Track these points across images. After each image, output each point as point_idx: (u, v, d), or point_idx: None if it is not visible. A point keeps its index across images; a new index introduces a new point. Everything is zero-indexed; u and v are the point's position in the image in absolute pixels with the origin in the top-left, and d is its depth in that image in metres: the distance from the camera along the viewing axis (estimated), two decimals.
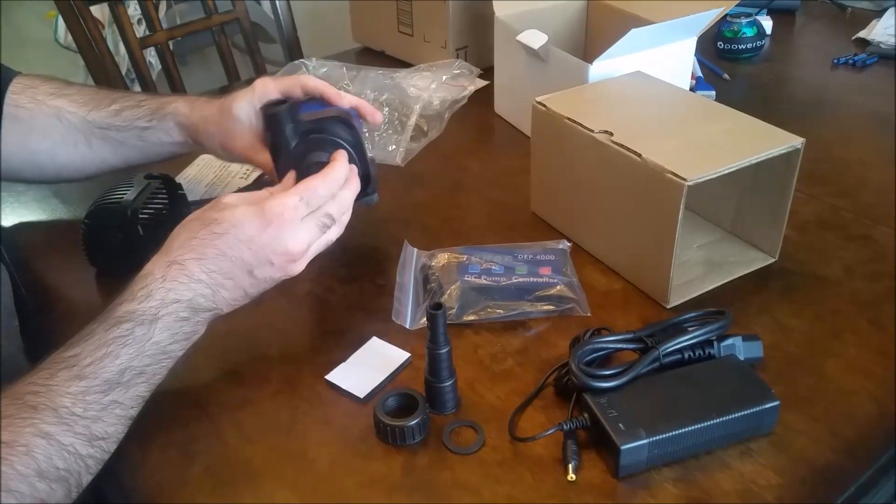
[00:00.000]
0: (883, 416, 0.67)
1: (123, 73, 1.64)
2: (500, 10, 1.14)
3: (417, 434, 0.65)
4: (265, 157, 0.83)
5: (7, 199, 1.04)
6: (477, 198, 1.02)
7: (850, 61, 1.37)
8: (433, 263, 0.83)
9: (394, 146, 1.10)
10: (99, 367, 0.59)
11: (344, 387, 0.71)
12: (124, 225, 0.83)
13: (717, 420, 0.62)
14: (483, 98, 1.25)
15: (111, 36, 2.19)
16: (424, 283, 0.81)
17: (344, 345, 0.76)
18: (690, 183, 0.71)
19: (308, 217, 0.71)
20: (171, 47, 1.55)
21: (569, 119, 0.84)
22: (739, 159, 0.75)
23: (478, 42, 1.33)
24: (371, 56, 1.49)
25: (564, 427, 0.64)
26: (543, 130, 0.90)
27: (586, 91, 0.95)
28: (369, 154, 0.82)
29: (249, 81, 0.89)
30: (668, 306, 0.79)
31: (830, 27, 1.57)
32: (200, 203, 0.71)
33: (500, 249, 0.84)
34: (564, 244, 0.85)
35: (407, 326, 0.78)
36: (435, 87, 1.22)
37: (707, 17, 1.03)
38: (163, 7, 2.62)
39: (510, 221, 0.96)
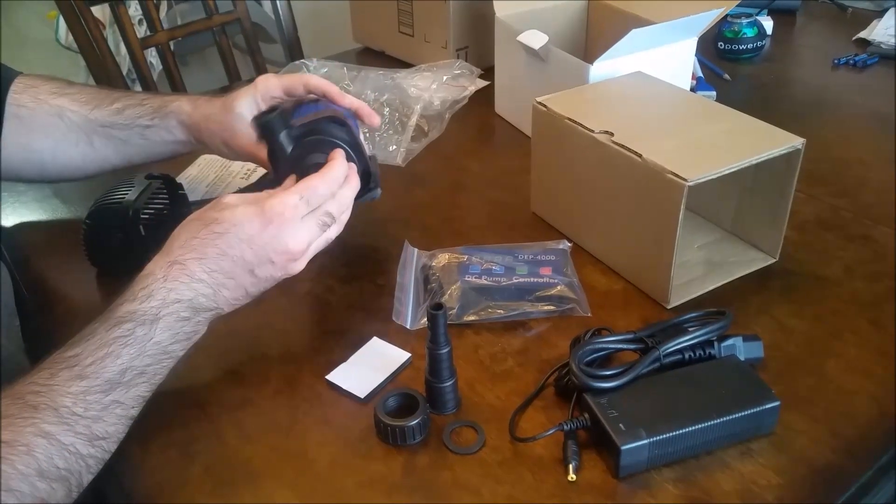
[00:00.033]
0: (883, 416, 0.67)
1: (124, 73, 1.64)
2: (501, 10, 1.14)
3: (418, 434, 0.65)
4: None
5: (8, 198, 1.04)
6: (477, 198, 1.02)
7: (851, 61, 1.37)
8: (434, 263, 0.83)
9: (394, 146, 1.10)
10: (100, 367, 0.59)
11: (344, 387, 0.71)
12: (125, 225, 0.83)
13: (718, 420, 0.62)
14: (483, 98, 1.25)
15: (112, 36, 2.18)
16: (425, 284, 0.81)
17: (344, 345, 0.76)
18: (691, 183, 0.71)
19: (308, 216, 0.71)
20: (171, 47, 1.56)
21: (569, 119, 0.84)
22: (740, 159, 0.75)
23: (478, 42, 1.33)
24: (372, 56, 1.49)
25: (565, 427, 0.64)
26: (544, 131, 0.90)
27: (587, 91, 0.95)
28: (370, 151, 0.82)
29: (250, 81, 0.89)
30: (669, 306, 0.79)
31: (831, 27, 1.57)
32: (201, 203, 0.71)
33: (500, 250, 0.84)
34: (565, 244, 0.85)
35: (407, 326, 0.78)
36: (435, 87, 1.22)
37: (708, 18, 1.03)
38: (163, 7, 2.61)
39: (510, 221, 0.96)
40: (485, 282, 0.79)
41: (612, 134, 0.80)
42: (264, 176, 1.03)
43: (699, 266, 0.85)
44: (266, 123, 0.75)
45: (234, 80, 1.59)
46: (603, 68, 0.98)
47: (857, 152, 1.08)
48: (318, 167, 0.74)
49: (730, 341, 0.70)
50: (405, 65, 1.36)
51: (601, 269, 0.86)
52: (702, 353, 0.68)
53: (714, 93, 1.23)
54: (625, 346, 0.70)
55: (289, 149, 0.76)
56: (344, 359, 0.74)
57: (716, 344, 0.69)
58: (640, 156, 0.76)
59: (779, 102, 1.27)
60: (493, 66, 1.21)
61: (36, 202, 1.04)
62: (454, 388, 0.68)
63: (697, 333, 0.68)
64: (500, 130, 1.20)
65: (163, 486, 0.64)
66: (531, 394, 0.69)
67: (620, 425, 0.61)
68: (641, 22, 1.06)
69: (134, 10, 1.71)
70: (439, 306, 0.64)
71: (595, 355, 0.69)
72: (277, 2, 1.64)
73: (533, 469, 0.63)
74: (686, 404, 0.64)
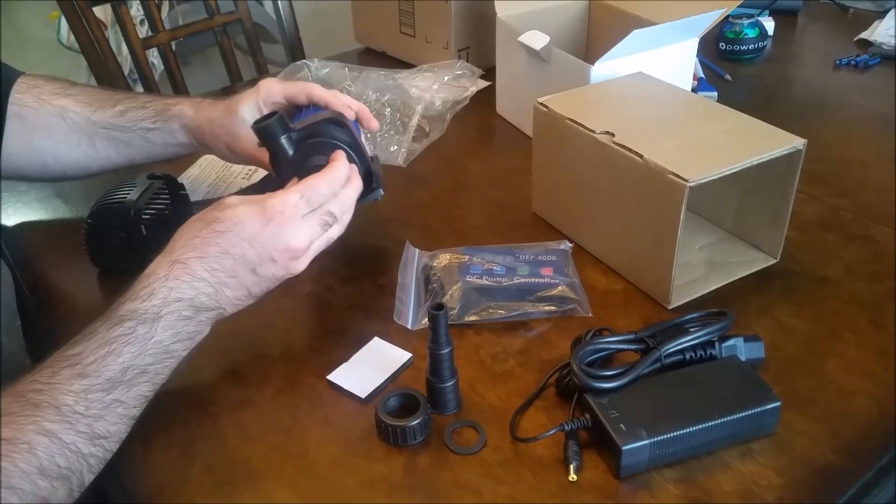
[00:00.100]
0: (883, 417, 0.67)
1: (126, 73, 1.64)
2: (502, 10, 1.14)
3: (419, 434, 0.65)
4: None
5: (9, 198, 1.04)
6: (478, 198, 1.02)
7: (852, 62, 1.37)
8: (435, 264, 0.83)
9: (395, 147, 1.10)
10: (101, 366, 0.59)
11: (345, 387, 0.71)
12: (127, 225, 0.83)
13: (719, 421, 0.62)
14: (485, 99, 1.25)
15: (114, 36, 2.18)
16: (426, 284, 0.81)
17: (345, 345, 0.76)
18: (692, 184, 0.71)
19: (309, 215, 0.71)
20: (173, 48, 1.56)
21: (570, 120, 0.84)
22: (741, 160, 0.75)
23: (479, 43, 1.33)
24: (373, 57, 1.49)
25: (566, 427, 0.64)
26: (545, 131, 0.90)
27: (588, 92, 0.95)
28: (372, 152, 0.82)
29: (252, 82, 0.89)
30: (670, 307, 0.79)
31: (832, 28, 1.57)
32: (202, 203, 0.71)
33: (501, 250, 0.84)
34: (566, 245, 0.85)
35: (408, 327, 0.78)
36: (437, 87, 1.22)
37: (709, 18, 1.03)
38: (165, 7, 2.62)
39: (511, 222, 0.96)
40: (486, 282, 0.79)
41: (613, 134, 0.80)
42: (266, 176, 1.03)
43: (700, 266, 0.85)
44: (266, 128, 0.75)
45: (235, 81, 1.60)
46: (604, 69, 0.98)
47: (857, 153, 1.08)
48: (319, 169, 0.74)
49: (731, 342, 0.70)
50: (406, 65, 1.36)
51: (602, 270, 0.86)
52: (703, 353, 0.69)
53: (715, 93, 1.23)
54: (626, 347, 0.70)
55: (290, 152, 0.76)
56: (345, 359, 0.74)
57: (717, 344, 0.69)
58: (641, 156, 0.76)
59: (780, 103, 1.27)
60: (494, 66, 1.21)
61: (37, 202, 1.04)
62: (455, 388, 0.68)
63: (698, 334, 0.68)
64: (502, 131, 1.20)
65: (163, 485, 0.64)
66: (532, 394, 0.69)
67: (621, 425, 0.61)
68: (643, 22, 1.06)
69: (135, 11, 1.72)
70: (440, 306, 0.64)
71: (596, 356, 0.69)
72: (279, 2, 1.64)
73: (534, 469, 0.63)
74: (687, 405, 0.64)
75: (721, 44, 1.40)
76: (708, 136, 0.81)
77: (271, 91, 0.87)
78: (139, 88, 1.66)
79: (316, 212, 0.71)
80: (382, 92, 1.20)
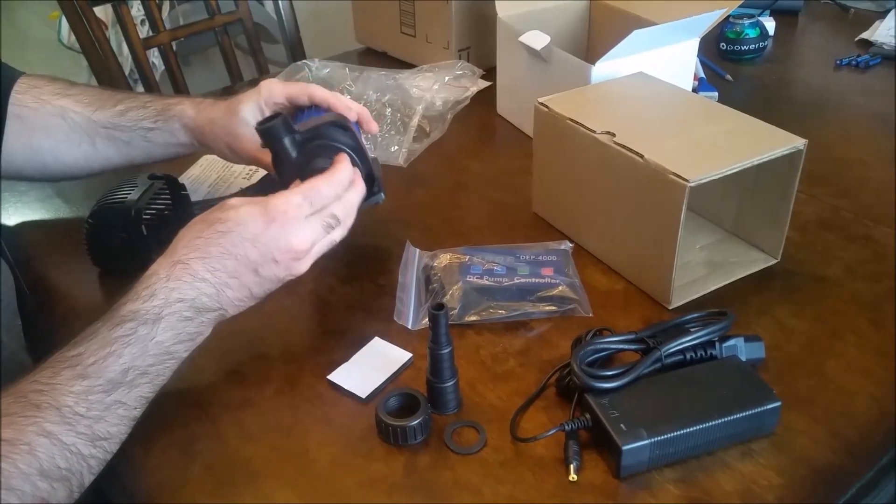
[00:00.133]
0: (883, 417, 0.67)
1: (127, 73, 1.64)
2: (503, 10, 1.14)
3: (419, 434, 0.65)
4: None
5: (10, 198, 1.04)
6: (479, 198, 1.02)
7: (853, 62, 1.37)
8: (435, 264, 0.83)
9: (396, 147, 1.11)
10: (102, 367, 0.59)
11: (345, 387, 0.71)
12: (127, 225, 0.83)
13: (719, 421, 0.62)
14: (485, 99, 1.25)
15: (114, 36, 2.18)
16: (426, 284, 0.81)
17: (345, 345, 0.76)
18: (692, 184, 0.71)
19: (312, 216, 0.71)
20: (174, 48, 1.56)
21: (571, 120, 0.84)
22: (741, 160, 0.75)
23: (480, 43, 1.34)
24: (373, 57, 1.49)
25: (566, 427, 0.64)
26: (545, 131, 0.90)
27: (588, 92, 0.95)
28: (372, 154, 0.82)
29: (253, 82, 0.89)
30: (670, 307, 0.79)
31: (833, 28, 1.57)
32: (203, 203, 0.71)
33: (502, 250, 0.84)
34: (566, 245, 0.85)
35: (409, 327, 0.78)
36: (437, 87, 1.22)
37: (710, 18, 1.03)
38: (166, 8, 2.62)
39: (512, 222, 0.96)
40: (486, 282, 0.79)
41: (613, 134, 0.80)
42: (265, 176, 1.03)
43: (700, 266, 0.85)
44: (269, 130, 0.75)
45: (236, 81, 1.60)
46: (605, 69, 0.98)
47: (858, 153, 1.08)
48: (322, 172, 0.74)
49: (731, 342, 0.70)
50: (407, 65, 1.36)
51: (602, 270, 0.86)
52: (703, 353, 0.69)
53: (716, 93, 1.23)
54: (626, 347, 0.70)
55: (293, 154, 0.76)
56: (345, 359, 0.74)
57: (717, 344, 0.69)
58: (641, 156, 0.76)
59: (781, 103, 1.27)
60: (494, 66, 1.21)
61: (38, 202, 1.04)
62: (455, 388, 0.68)
63: (699, 334, 0.68)
64: (502, 131, 1.20)
65: (164, 485, 0.64)
66: (532, 394, 0.69)
67: (622, 425, 0.61)
68: (643, 23, 1.06)
69: (136, 11, 1.71)
70: (441, 306, 0.64)
71: (596, 356, 0.69)
72: (279, 2, 1.64)
73: (534, 469, 0.63)
74: (687, 405, 0.64)
75: (722, 44, 1.40)
76: (708, 136, 0.81)
77: (273, 91, 0.87)
78: (140, 88, 1.66)
79: (319, 214, 0.71)
80: (383, 92, 1.20)
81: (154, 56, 2.01)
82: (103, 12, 1.81)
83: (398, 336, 0.77)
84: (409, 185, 1.04)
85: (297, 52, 1.68)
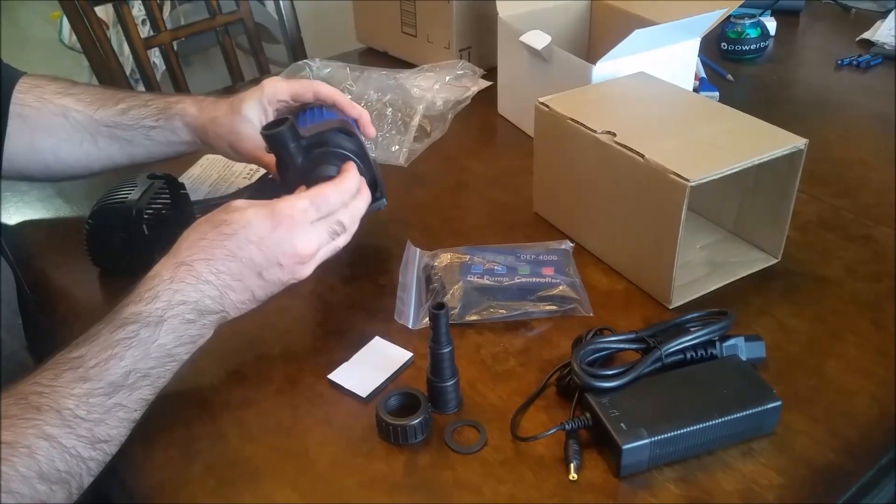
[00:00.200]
0: (883, 417, 0.67)
1: (127, 73, 1.64)
2: (504, 10, 1.14)
3: (419, 433, 0.65)
4: (273, 157, 0.83)
5: (11, 198, 1.04)
6: (479, 198, 1.02)
7: (854, 62, 1.37)
8: (436, 263, 0.83)
9: (397, 147, 1.11)
10: (104, 370, 0.59)
11: (346, 386, 0.71)
12: (128, 225, 0.83)
13: (719, 420, 0.62)
14: (486, 99, 1.25)
15: (115, 36, 2.19)
16: (427, 283, 0.81)
17: (346, 344, 0.76)
18: (693, 183, 0.71)
19: (318, 222, 0.71)
20: (175, 48, 1.56)
21: (572, 119, 0.84)
22: (742, 160, 0.75)
23: (481, 43, 1.34)
24: (374, 57, 1.49)
25: (566, 427, 0.64)
26: (546, 131, 0.90)
27: (589, 92, 0.95)
28: (371, 154, 0.82)
29: (253, 82, 0.89)
30: (671, 307, 0.79)
31: (834, 28, 1.57)
32: (203, 203, 0.71)
33: (502, 250, 0.84)
34: (567, 244, 0.86)
35: (409, 326, 0.78)
36: (438, 87, 1.22)
37: (710, 18, 1.03)
38: (167, 7, 2.62)
39: (512, 221, 0.96)
40: (487, 282, 0.79)
41: (614, 134, 0.80)
42: (264, 175, 1.03)
43: (701, 266, 0.85)
44: (276, 136, 0.74)
45: (237, 81, 1.60)
46: (605, 69, 0.98)
47: (858, 153, 1.08)
48: (328, 179, 0.74)
49: (731, 341, 0.70)
50: (408, 65, 1.36)
51: (603, 269, 0.86)
52: (703, 353, 0.69)
53: (717, 93, 1.23)
54: (626, 346, 0.70)
55: (298, 160, 0.76)
56: (346, 358, 0.74)
57: (717, 344, 0.69)
58: (642, 156, 0.76)
59: (781, 103, 1.27)
60: (495, 66, 1.21)
61: (39, 201, 1.04)
62: (456, 387, 0.68)
63: (699, 333, 0.68)
64: (503, 131, 1.20)
65: (164, 485, 0.64)
66: (533, 393, 0.69)
67: (622, 425, 0.61)
68: (644, 22, 1.06)
69: (137, 11, 1.71)
70: (441, 306, 0.64)
71: (597, 355, 0.69)
72: (280, 2, 1.64)
73: (534, 468, 0.63)
74: (687, 404, 0.64)
75: (723, 44, 1.40)
76: (709, 136, 0.81)
77: (277, 90, 0.87)
78: (141, 88, 1.66)
79: (325, 220, 0.71)
80: (384, 92, 1.20)
81: (155, 56, 2.01)
82: (104, 12, 1.81)
83: (399, 335, 0.77)
84: (410, 185, 1.04)
85: (298, 51, 1.68)
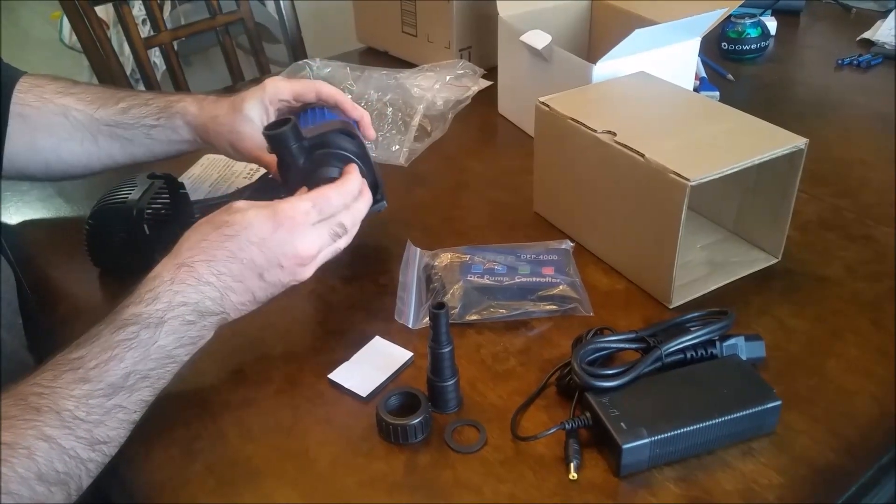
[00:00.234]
0: (884, 416, 0.67)
1: (128, 73, 1.64)
2: (504, 10, 1.14)
3: (419, 433, 0.65)
4: (274, 157, 0.83)
5: (11, 198, 1.04)
6: (479, 198, 1.02)
7: (855, 62, 1.37)
8: (436, 263, 0.83)
9: (397, 146, 1.11)
10: (104, 371, 0.59)
11: (346, 386, 0.71)
12: (128, 225, 0.83)
13: (719, 420, 0.62)
14: (486, 98, 1.25)
15: (116, 36, 2.19)
16: (427, 283, 0.81)
17: (346, 344, 0.76)
18: (693, 183, 0.71)
19: (320, 224, 0.71)
20: (175, 48, 1.56)
21: (572, 119, 0.84)
22: (742, 160, 0.75)
23: (481, 42, 1.34)
24: (375, 56, 1.49)
25: (566, 426, 0.64)
26: (546, 130, 0.90)
27: (590, 91, 0.95)
28: (371, 154, 0.82)
29: (254, 81, 0.89)
30: (671, 306, 0.79)
31: (835, 28, 1.57)
32: (203, 202, 0.71)
33: (502, 249, 0.84)
34: (567, 244, 0.86)
35: (409, 326, 0.78)
36: (438, 87, 1.22)
37: (711, 18, 1.03)
38: (167, 7, 2.62)
39: (512, 221, 0.96)
40: (487, 281, 0.79)
41: (614, 134, 0.80)
42: (264, 175, 1.03)
43: (701, 266, 0.85)
44: (278, 136, 0.74)
45: (237, 81, 1.60)
46: (606, 68, 0.98)
47: (858, 153, 1.08)
48: (330, 181, 0.74)
49: (732, 341, 0.70)
50: (408, 65, 1.36)
51: (603, 269, 0.86)
52: (703, 352, 0.69)
53: (717, 93, 1.23)
54: (627, 346, 0.70)
55: (300, 161, 0.76)
56: (346, 358, 0.74)
57: (718, 343, 0.69)
58: (642, 156, 0.76)
59: (782, 103, 1.27)
60: (496, 66, 1.21)
61: (39, 201, 1.04)
62: (456, 387, 0.68)
63: (699, 333, 0.68)
64: (503, 130, 1.20)
65: (164, 484, 0.64)
66: (533, 393, 0.69)
67: (622, 424, 0.61)
68: (645, 22, 1.06)
69: (137, 10, 1.71)
70: (441, 305, 0.64)
71: (597, 355, 0.69)
72: (281, 2, 1.64)
73: (534, 468, 0.63)
74: (687, 403, 0.64)
75: (723, 43, 1.40)
76: (709, 136, 0.81)
77: (279, 89, 0.87)
78: (141, 88, 1.66)
79: (327, 221, 0.72)
80: (384, 91, 1.20)
81: (155, 56, 2.01)
82: (104, 12, 1.80)
83: (399, 335, 0.77)
84: (410, 185, 1.04)
85: (298, 51, 1.68)
